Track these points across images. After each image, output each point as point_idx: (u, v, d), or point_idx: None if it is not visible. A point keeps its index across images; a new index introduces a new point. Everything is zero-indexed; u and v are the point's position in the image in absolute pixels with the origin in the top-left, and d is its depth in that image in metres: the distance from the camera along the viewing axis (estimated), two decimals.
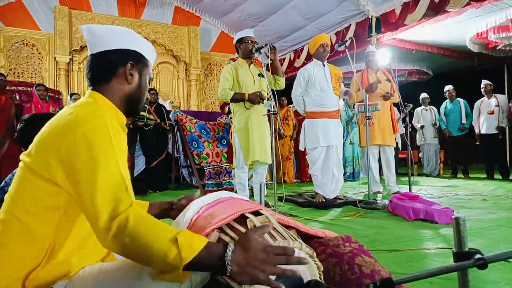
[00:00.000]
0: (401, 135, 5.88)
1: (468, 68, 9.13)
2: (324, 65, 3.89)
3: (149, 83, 1.14)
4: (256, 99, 3.43)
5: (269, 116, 3.31)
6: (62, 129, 0.88)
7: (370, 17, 6.25)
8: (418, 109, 7.61)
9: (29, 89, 5.67)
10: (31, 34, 7.06)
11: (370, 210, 3.36)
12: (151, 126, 5.50)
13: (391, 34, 6.40)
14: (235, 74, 3.57)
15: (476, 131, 6.46)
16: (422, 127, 7.45)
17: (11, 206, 0.90)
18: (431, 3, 5.19)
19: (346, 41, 3.90)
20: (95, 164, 0.84)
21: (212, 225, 0.96)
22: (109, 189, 0.84)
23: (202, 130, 5.75)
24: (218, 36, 9.08)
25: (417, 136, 7.75)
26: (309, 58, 7.29)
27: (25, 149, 0.94)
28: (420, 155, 7.90)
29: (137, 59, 1.08)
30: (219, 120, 6.21)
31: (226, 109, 6.03)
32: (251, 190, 4.18)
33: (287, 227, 1.08)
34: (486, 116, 6.27)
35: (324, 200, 3.77)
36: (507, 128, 6.45)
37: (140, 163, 5.73)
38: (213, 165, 5.45)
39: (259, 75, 3.65)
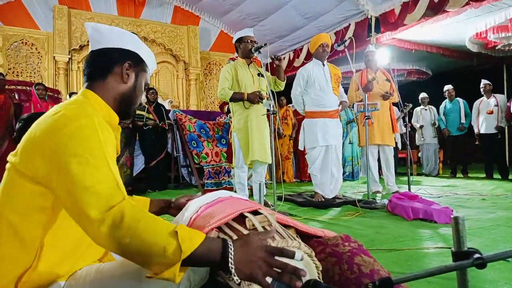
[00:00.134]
0: (401, 135, 5.89)
1: (467, 68, 9.14)
2: (324, 65, 3.89)
3: (144, 88, 1.13)
4: (255, 98, 3.43)
5: (268, 116, 3.32)
6: (48, 128, 0.87)
7: (369, 17, 6.25)
8: (418, 108, 7.61)
9: (28, 88, 5.66)
10: (30, 33, 7.05)
11: (369, 210, 3.36)
12: (150, 126, 5.50)
13: (390, 34, 6.41)
14: (235, 73, 3.57)
15: (475, 130, 6.47)
16: (421, 127, 7.46)
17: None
18: (430, 3, 5.19)
19: (346, 40, 3.90)
20: (82, 161, 0.82)
21: (211, 225, 0.96)
22: (99, 184, 0.81)
23: (202, 130, 5.75)
24: (218, 36, 9.08)
25: (416, 135, 7.76)
26: (308, 57, 7.30)
27: None
28: (420, 154, 7.91)
29: (136, 61, 1.07)
30: (218, 120, 6.21)
31: (226, 108, 6.03)
32: (251, 189, 4.18)
33: (286, 226, 1.08)
34: (485, 116, 6.28)
35: (323, 200, 3.77)
36: (506, 127, 6.45)
37: (139, 163, 5.72)
38: (213, 165, 5.45)
39: (258, 74, 3.65)
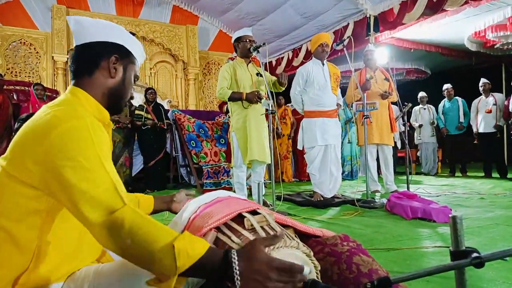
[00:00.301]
0: (400, 133, 5.89)
1: (466, 67, 9.15)
2: (323, 64, 3.89)
3: (134, 81, 1.10)
4: (254, 98, 3.43)
5: (267, 115, 3.31)
6: (38, 131, 0.84)
7: (368, 16, 6.25)
8: (416, 108, 7.62)
9: (26, 88, 5.65)
10: (29, 33, 7.04)
11: (368, 209, 3.36)
12: (149, 126, 5.49)
13: (389, 33, 6.42)
14: (233, 73, 3.56)
15: (474, 129, 6.48)
16: (420, 126, 7.46)
17: None
18: (429, 2, 5.19)
19: (344, 40, 3.90)
20: (75, 165, 0.80)
21: (209, 225, 0.96)
22: (96, 188, 0.80)
23: (200, 129, 5.75)
24: (216, 35, 9.07)
25: (415, 134, 7.77)
26: (307, 57, 7.30)
27: None
28: (418, 153, 7.91)
29: (123, 54, 1.03)
30: (217, 119, 6.20)
31: (225, 108, 6.03)
32: (249, 189, 4.17)
33: (285, 226, 1.08)
34: (484, 115, 6.28)
35: (322, 199, 3.77)
36: (504, 126, 6.47)
37: (138, 163, 5.72)
38: (212, 165, 5.45)
39: (257, 74, 3.64)
